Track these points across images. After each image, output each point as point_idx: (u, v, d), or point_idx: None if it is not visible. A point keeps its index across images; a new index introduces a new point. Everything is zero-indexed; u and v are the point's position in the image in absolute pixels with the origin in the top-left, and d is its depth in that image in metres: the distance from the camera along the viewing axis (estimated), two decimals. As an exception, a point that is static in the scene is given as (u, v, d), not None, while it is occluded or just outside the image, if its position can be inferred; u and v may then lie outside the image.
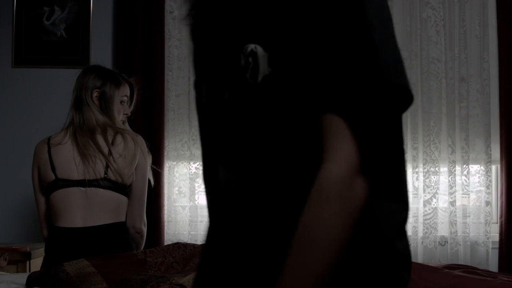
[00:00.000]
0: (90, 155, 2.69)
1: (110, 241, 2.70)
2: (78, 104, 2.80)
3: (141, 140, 2.86)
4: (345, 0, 0.95)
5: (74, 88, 2.83)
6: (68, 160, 2.72)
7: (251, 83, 0.97)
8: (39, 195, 2.83)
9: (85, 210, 2.69)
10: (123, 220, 2.78)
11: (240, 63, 0.99)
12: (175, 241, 3.61)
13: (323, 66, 0.94)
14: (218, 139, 1.06)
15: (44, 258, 2.75)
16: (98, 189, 2.70)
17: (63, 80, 3.66)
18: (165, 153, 3.81)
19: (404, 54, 3.88)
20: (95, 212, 2.70)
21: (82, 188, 2.70)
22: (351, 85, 0.92)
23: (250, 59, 0.97)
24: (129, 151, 2.76)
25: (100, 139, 2.73)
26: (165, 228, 3.81)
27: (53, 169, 2.73)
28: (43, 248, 2.83)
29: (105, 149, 2.72)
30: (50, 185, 2.75)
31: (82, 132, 2.74)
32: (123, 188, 2.75)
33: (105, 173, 2.70)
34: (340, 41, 0.93)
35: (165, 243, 3.74)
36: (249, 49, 0.97)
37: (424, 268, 2.53)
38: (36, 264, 3.35)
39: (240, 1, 1.03)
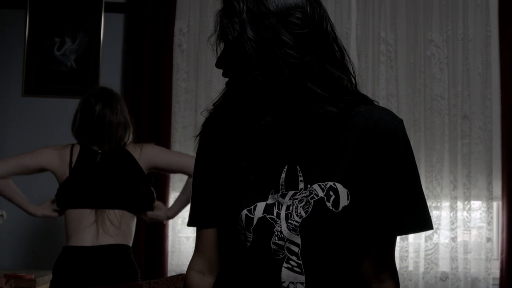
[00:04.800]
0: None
1: (117, 262, 2.76)
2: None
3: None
4: (403, 164, 1.31)
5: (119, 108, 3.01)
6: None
7: (332, 210, 1.29)
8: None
9: (96, 229, 2.77)
10: (129, 244, 2.87)
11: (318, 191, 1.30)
12: (179, 272, 3.63)
13: (385, 211, 1.32)
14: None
15: (51, 281, 2.80)
16: (112, 210, 2.80)
17: (72, 110, 3.69)
18: (171, 184, 3.84)
19: (408, 90, 3.94)
20: (105, 232, 2.77)
21: (98, 210, 2.80)
22: (404, 229, 1.34)
23: (331, 193, 1.29)
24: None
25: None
26: (169, 258, 3.82)
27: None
28: (49, 275, 2.87)
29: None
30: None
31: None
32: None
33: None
34: (400, 192, 1.31)
35: (169, 274, 3.76)
36: (328, 185, 1.30)
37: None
38: (41, 291, 3.37)
39: (328, 151, 1.33)
